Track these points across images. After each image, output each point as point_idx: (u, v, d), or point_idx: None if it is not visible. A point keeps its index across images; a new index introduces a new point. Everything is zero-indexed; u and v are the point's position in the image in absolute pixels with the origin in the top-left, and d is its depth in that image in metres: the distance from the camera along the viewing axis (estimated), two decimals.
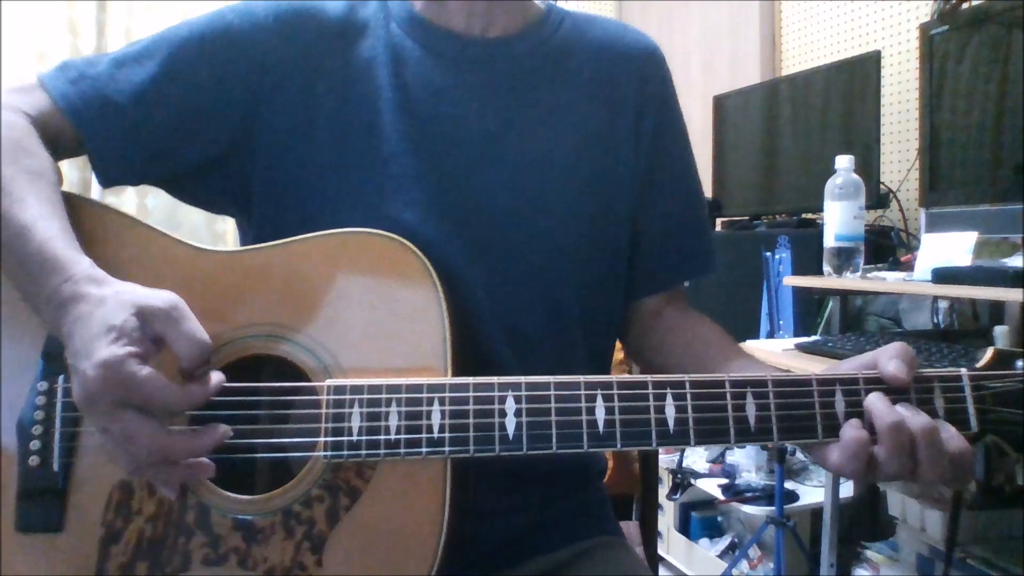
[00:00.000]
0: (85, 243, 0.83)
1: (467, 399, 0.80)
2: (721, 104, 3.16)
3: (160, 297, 0.77)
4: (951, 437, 0.76)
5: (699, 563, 2.91)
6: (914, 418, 0.76)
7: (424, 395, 0.80)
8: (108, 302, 0.75)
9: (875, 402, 0.78)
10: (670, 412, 0.79)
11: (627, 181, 1.06)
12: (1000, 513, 1.99)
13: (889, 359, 0.79)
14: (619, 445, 0.79)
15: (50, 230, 0.80)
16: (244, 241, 1.08)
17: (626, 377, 0.81)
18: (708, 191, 3.12)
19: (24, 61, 3.18)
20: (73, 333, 0.74)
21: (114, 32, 3.37)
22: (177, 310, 0.77)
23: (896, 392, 0.79)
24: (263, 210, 1.00)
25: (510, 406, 0.79)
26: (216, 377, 0.78)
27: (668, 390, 0.80)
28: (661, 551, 3.01)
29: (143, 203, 3.40)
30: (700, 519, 3.04)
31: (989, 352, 0.83)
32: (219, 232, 3.54)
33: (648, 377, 0.81)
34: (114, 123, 0.94)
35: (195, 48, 0.97)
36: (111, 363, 0.71)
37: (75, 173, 3.18)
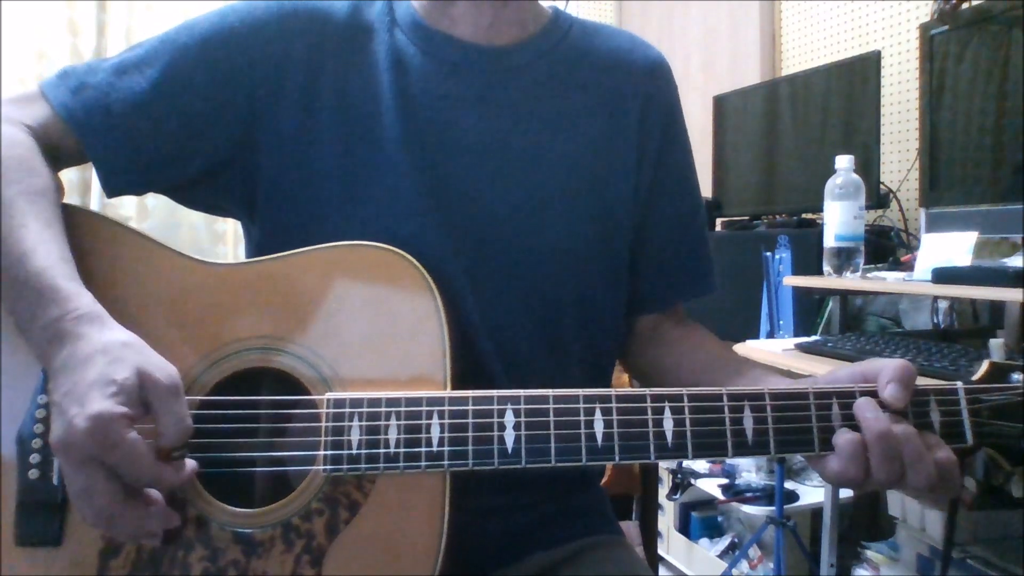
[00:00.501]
0: (83, 255, 0.83)
1: (466, 412, 0.80)
2: (721, 104, 3.15)
3: (164, 369, 0.76)
4: (935, 445, 0.78)
5: (699, 563, 2.91)
6: (899, 426, 0.77)
7: (423, 408, 0.80)
8: (111, 352, 0.74)
9: (864, 410, 0.79)
10: (668, 425, 0.80)
11: (628, 196, 1.05)
12: (1000, 513, 1.99)
13: (887, 382, 0.80)
14: (617, 458, 0.79)
15: (50, 257, 0.80)
16: (249, 244, 1.08)
17: (624, 391, 0.81)
18: (708, 191, 3.12)
19: (24, 61, 3.17)
20: (67, 371, 0.74)
21: (114, 32, 3.36)
22: (176, 388, 0.76)
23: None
24: (267, 214, 0.99)
25: (509, 420, 0.80)
26: (190, 465, 0.77)
27: (666, 403, 0.80)
28: (661, 551, 3.02)
29: (143, 203, 3.39)
30: (700, 519, 3.04)
31: (984, 365, 0.83)
32: (219, 232, 3.53)
33: (646, 391, 0.81)
34: (117, 133, 0.93)
35: (196, 53, 0.96)
36: (104, 418, 0.70)
37: (75, 173, 3.18)
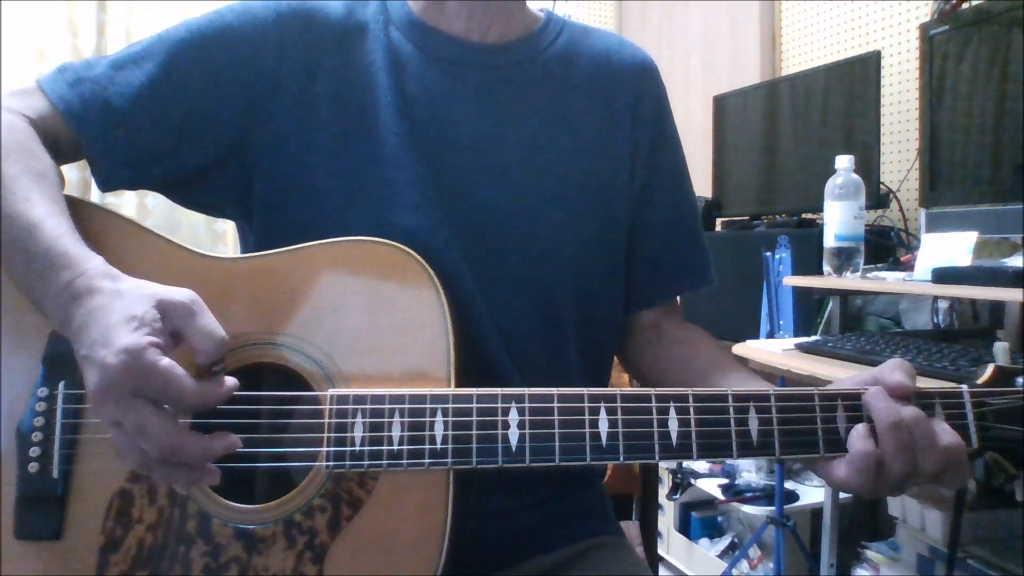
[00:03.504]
0: None
1: (470, 410, 0.80)
2: (721, 104, 3.14)
3: (179, 291, 0.76)
4: (944, 431, 0.78)
5: (699, 563, 2.91)
6: (908, 409, 0.78)
7: (427, 406, 0.80)
8: (126, 295, 0.75)
9: (875, 399, 0.79)
10: (673, 426, 0.80)
11: (623, 192, 1.06)
12: (1000, 513, 2.00)
13: (892, 371, 0.80)
14: (622, 458, 0.79)
15: (59, 228, 0.80)
16: (244, 244, 1.08)
17: (629, 390, 0.81)
18: (708, 191, 3.12)
19: (24, 61, 3.16)
20: (89, 324, 0.74)
21: (114, 32, 3.35)
22: (197, 304, 0.76)
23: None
24: (263, 213, 1.00)
25: (513, 418, 0.80)
26: (230, 381, 0.77)
27: (671, 403, 0.80)
28: (661, 551, 3.02)
29: (143, 202, 3.39)
30: (700, 519, 3.04)
31: (990, 369, 0.84)
32: (219, 231, 3.53)
33: (651, 391, 0.81)
34: (113, 126, 0.93)
35: (194, 49, 0.96)
36: (133, 350, 0.70)
37: (75, 173, 3.17)
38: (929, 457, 0.76)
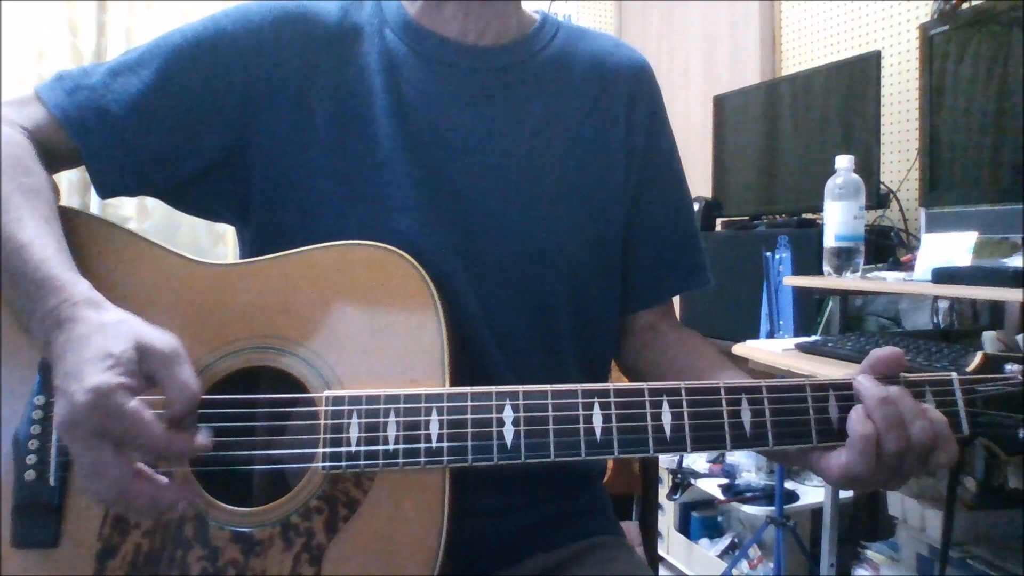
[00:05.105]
0: (80, 257, 0.83)
1: (465, 408, 0.80)
2: (721, 104, 3.14)
3: (162, 338, 0.76)
4: (928, 407, 0.80)
5: (699, 563, 2.91)
6: (892, 387, 0.79)
7: (422, 405, 0.80)
8: (107, 329, 0.75)
9: (863, 381, 0.80)
10: (667, 419, 0.80)
11: (618, 193, 1.07)
12: (1000, 513, 1.99)
13: (878, 355, 0.82)
14: (616, 453, 0.79)
15: (47, 249, 0.80)
16: (242, 248, 1.08)
17: (623, 385, 0.81)
18: (708, 191, 3.12)
19: (24, 61, 3.16)
20: (66, 353, 0.73)
21: (114, 32, 3.35)
22: (177, 354, 0.76)
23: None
24: (261, 217, 1.00)
25: (508, 415, 0.80)
26: (202, 437, 0.76)
27: (664, 397, 0.81)
28: (661, 551, 3.02)
29: (143, 203, 3.37)
30: (700, 519, 3.04)
31: (979, 356, 0.85)
32: (219, 232, 3.52)
33: (644, 385, 0.81)
34: (111, 133, 0.94)
35: (190, 55, 0.96)
36: (102, 389, 0.70)
37: (75, 173, 3.17)
38: (918, 425, 0.77)
